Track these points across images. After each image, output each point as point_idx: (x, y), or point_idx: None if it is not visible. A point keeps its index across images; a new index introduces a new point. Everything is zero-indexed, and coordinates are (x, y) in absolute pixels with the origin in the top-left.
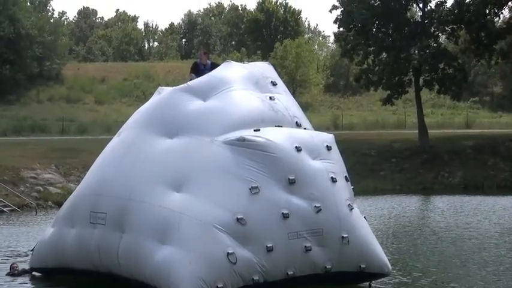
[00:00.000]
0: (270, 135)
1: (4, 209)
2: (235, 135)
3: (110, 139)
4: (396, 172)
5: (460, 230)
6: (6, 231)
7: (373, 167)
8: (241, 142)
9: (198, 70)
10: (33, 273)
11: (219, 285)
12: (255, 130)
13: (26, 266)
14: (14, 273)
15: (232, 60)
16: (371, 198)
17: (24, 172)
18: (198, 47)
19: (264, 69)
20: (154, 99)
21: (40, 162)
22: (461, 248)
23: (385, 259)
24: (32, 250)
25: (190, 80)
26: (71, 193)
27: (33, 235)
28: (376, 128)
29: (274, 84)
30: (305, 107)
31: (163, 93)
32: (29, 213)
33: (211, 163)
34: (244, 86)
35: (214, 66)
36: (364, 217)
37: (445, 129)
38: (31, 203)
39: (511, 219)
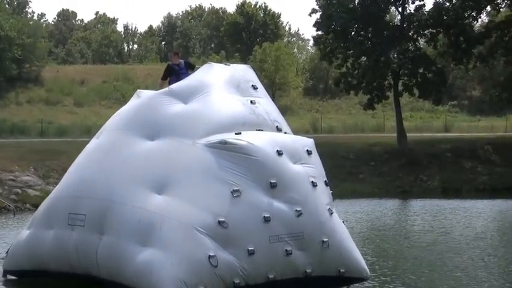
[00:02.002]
0: (252, 138)
1: None
2: (217, 138)
3: (90, 141)
4: (375, 175)
5: (434, 234)
6: None
7: (351, 170)
8: (223, 145)
9: (173, 71)
10: (7, 276)
11: None
12: (236, 133)
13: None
14: None
15: (212, 62)
16: (349, 201)
17: (3, 174)
18: (177, 49)
19: (245, 72)
20: (134, 102)
21: (19, 164)
22: (433, 252)
23: (364, 264)
24: (6, 252)
25: (161, 87)
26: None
27: (11, 238)
28: (355, 131)
29: (255, 88)
30: (284, 110)
31: (144, 96)
32: (7, 215)
33: (193, 166)
34: (226, 89)
35: (187, 64)
36: (343, 221)
37: (424, 132)
38: (9, 206)
39: (485, 223)
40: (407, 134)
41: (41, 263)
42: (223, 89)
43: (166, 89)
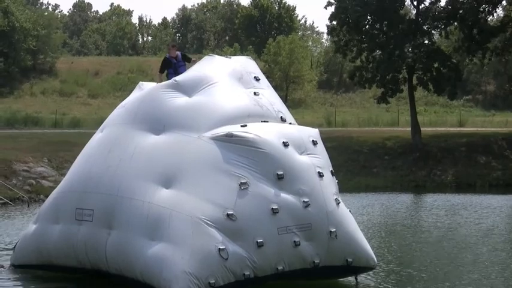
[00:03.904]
0: (258, 130)
1: None
2: (223, 131)
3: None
4: (389, 169)
5: (444, 229)
6: None
7: (365, 164)
8: (229, 138)
9: (170, 64)
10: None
11: (210, 281)
12: (242, 126)
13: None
14: None
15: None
16: (362, 195)
17: (17, 165)
18: (192, 42)
19: (246, 64)
20: (137, 94)
21: (33, 155)
22: (441, 247)
23: (371, 253)
24: (14, 247)
25: (160, 80)
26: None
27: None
28: (369, 125)
29: (257, 79)
30: (298, 104)
31: (146, 88)
32: (21, 206)
33: (199, 159)
34: (229, 81)
35: (184, 56)
36: (349, 211)
37: (438, 127)
38: (23, 196)
39: (497, 219)
40: (422, 129)
41: (48, 258)
42: (226, 81)
43: (171, 81)
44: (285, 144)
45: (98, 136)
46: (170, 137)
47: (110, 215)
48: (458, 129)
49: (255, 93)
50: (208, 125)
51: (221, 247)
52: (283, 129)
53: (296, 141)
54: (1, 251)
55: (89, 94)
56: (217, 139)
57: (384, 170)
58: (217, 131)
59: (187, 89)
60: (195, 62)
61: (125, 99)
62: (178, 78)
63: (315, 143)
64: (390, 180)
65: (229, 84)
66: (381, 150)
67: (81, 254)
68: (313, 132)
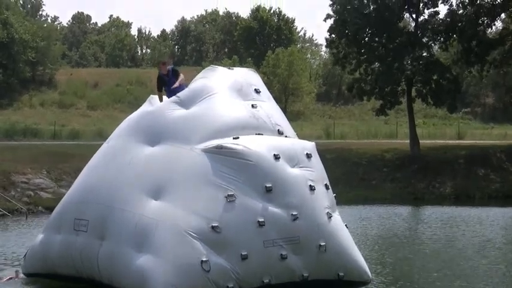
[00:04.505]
0: (248, 142)
1: None
2: (215, 143)
3: (102, 144)
4: (387, 182)
5: (441, 241)
6: None
7: (364, 177)
8: (219, 150)
9: (164, 81)
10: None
11: None
12: (234, 138)
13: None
14: None
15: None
16: (361, 207)
17: (15, 177)
18: (191, 54)
19: (248, 76)
20: (143, 108)
21: (31, 166)
22: (438, 260)
23: (365, 267)
24: (24, 256)
25: (160, 97)
26: (62, 198)
27: (24, 241)
28: (368, 137)
29: (257, 91)
30: (297, 116)
31: (155, 104)
32: (20, 218)
33: (189, 171)
34: (227, 93)
35: (174, 71)
36: (346, 225)
37: (437, 139)
38: (21, 208)
39: (495, 231)
40: (420, 141)
41: (52, 267)
42: (224, 93)
43: (175, 97)
44: (276, 157)
45: (103, 148)
46: (164, 148)
47: (103, 226)
48: (457, 141)
49: (252, 106)
50: (201, 137)
51: (204, 259)
52: (275, 142)
53: (288, 154)
54: None
55: (88, 106)
56: (208, 151)
57: (383, 182)
58: (209, 143)
59: (186, 102)
60: (181, 78)
61: (134, 112)
62: (181, 94)
63: (309, 156)
64: (389, 193)
65: (227, 96)
66: (379, 163)
67: (77, 263)
68: (309, 145)
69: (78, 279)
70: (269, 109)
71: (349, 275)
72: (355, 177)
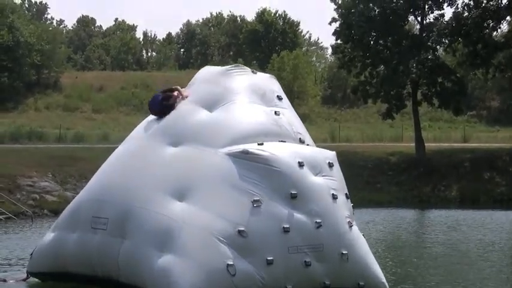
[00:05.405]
0: (274, 149)
1: (0, 217)
2: (239, 147)
3: (107, 148)
4: (393, 185)
5: (446, 245)
6: (0, 239)
7: (369, 180)
8: (245, 154)
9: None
10: (29, 277)
11: None
12: (258, 144)
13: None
14: None
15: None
16: (366, 210)
17: (21, 180)
18: (196, 57)
19: (270, 82)
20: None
21: (37, 170)
22: (442, 263)
23: (383, 277)
24: (31, 255)
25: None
26: (67, 201)
27: (29, 244)
28: (373, 140)
29: (279, 98)
30: (302, 119)
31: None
32: (25, 221)
33: (214, 174)
34: (250, 98)
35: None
36: (363, 234)
37: (442, 142)
38: (27, 211)
39: (500, 235)
40: (426, 144)
41: (63, 265)
42: (248, 98)
43: (196, 98)
44: (300, 164)
45: (120, 148)
46: (187, 150)
47: (123, 224)
48: (463, 144)
49: (275, 113)
50: (225, 141)
51: (230, 263)
52: (299, 150)
53: (312, 162)
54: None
55: (93, 109)
56: (232, 155)
57: (388, 185)
58: (233, 147)
59: (209, 104)
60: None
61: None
62: (204, 97)
63: (331, 165)
64: (394, 196)
65: (250, 101)
66: (385, 166)
67: (94, 261)
68: (330, 155)
69: (90, 278)
70: (290, 117)
71: (368, 284)
72: (360, 180)
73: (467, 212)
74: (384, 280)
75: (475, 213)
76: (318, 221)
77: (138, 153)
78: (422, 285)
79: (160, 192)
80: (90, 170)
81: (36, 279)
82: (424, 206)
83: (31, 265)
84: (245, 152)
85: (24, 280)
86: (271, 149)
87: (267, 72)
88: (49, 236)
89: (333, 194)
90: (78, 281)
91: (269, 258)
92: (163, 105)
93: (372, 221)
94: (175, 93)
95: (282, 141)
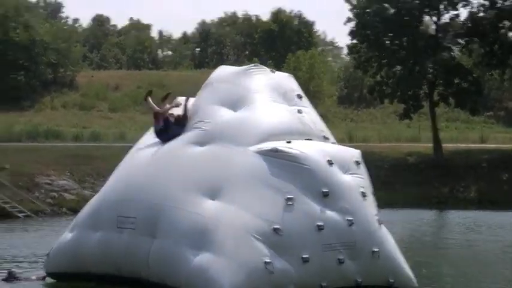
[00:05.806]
0: (303, 147)
1: (19, 215)
2: (268, 145)
3: (124, 146)
4: (410, 185)
5: (463, 246)
6: (20, 237)
7: (386, 180)
8: (275, 153)
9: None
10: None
11: None
12: (287, 142)
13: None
14: (10, 279)
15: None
16: (383, 211)
17: (39, 178)
18: (211, 56)
19: (289, 81)
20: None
21: (54, 168)
22: (459, 264)
23: (411, 274)
24: (47, 255)
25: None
26: (85, 199)
27: (48, 241)
28: (390, 141)
29: (300, 97)
30: None
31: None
32: (43, 219)
33: (245, 172)
34: (273, 98)
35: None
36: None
37: (460, 143)
38: (46, 209)
39: None
40: (443, 145)
41: (83, 265)
42: (270, 97)
43: (220, 98)
44: (330, 163)
45: (142, 148)
46: (215, 148)
47: (153, 223)
48: (480, 145)
49: (298, 111)
50: (253, 140)
51: (267, 261)
52: (327, 148)
53: (340, 160)
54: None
55: (109, 108)
56: (262, 153)
57: (405, 186)
58: (262, 145)
59: (233, 104)
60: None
61: None
62: (227, 97)
63: (358, 163)
64: (411, 196)
65: (273, 100)
66: (402, 166)
67: (120, 261)
68: (356, 153)
69: (114, 277)
70: (312, 115)
71: (398, 281)
72: (377, 181)
73: (485, 213)
74: (413, 277)
75: (493, 214)
76: (349, 218)
77: (163, 153)
78: (439, 286)
79: (191, 191)
80: (108, 169)
81: (52, 279)
82: (442, 207)
83: (47, 265)
84: (274, 150)
85: (43, 278)
86: (300, 147)
87: (283, 72)
88: (67, 235)
89: (362, 192)
90: (96, 281)
91: (304, 256)
92: (168, 134)
93: (390, 222)
94: (167, 105)
95: (308, 139)
